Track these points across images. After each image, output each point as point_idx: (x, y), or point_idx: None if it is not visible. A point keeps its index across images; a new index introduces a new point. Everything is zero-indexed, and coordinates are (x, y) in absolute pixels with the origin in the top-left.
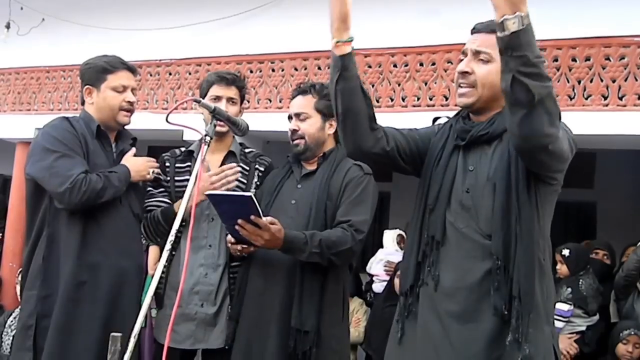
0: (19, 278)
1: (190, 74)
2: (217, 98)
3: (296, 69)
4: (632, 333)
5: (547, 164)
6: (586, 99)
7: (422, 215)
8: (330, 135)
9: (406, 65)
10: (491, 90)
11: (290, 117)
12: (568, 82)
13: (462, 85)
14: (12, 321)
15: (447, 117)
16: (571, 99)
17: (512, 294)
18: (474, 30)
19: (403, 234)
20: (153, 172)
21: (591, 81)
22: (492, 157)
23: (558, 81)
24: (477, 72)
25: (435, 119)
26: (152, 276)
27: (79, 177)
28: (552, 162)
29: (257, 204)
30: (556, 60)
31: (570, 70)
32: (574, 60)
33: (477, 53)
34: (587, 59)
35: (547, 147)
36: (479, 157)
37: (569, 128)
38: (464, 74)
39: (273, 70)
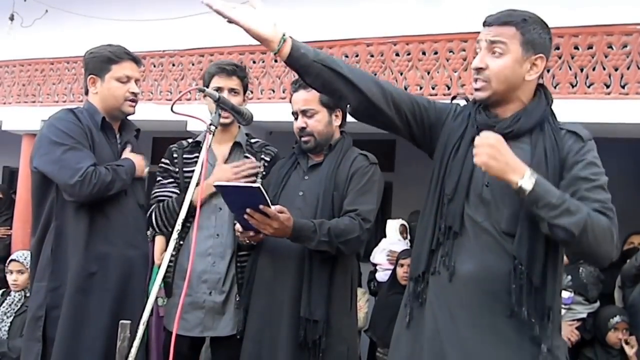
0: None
1: (193, 64)
2: (219, 89)
3: None
4: (620, 320)
5: None
6: (588, 87)
7: (438, 204)
8: (336, 126)
9: (408, 54)
10: (505, 84)
11: (295, 114)
12: (570, 70)
13: (477, 80)
14: (6, 308)
15: (466, 99)
16: (573, 87)
17: (543, 305)
18: (486, 24)
19: (406, 223)
20: (147, 171)
21: (593, 69)
22: (518, 155)
23: (560, 69)
24: (491, 67)
25: (453, 98)
26: (159, 266)
27: (89, 170)
28: None
29: (265, 194)
30: (558, 48)
31: (572, 58)
32: (576, 48)
33: (492, 43)
34: (590, 47)
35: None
36: None
37: None
38: (479, 69)
39: (276, 61)
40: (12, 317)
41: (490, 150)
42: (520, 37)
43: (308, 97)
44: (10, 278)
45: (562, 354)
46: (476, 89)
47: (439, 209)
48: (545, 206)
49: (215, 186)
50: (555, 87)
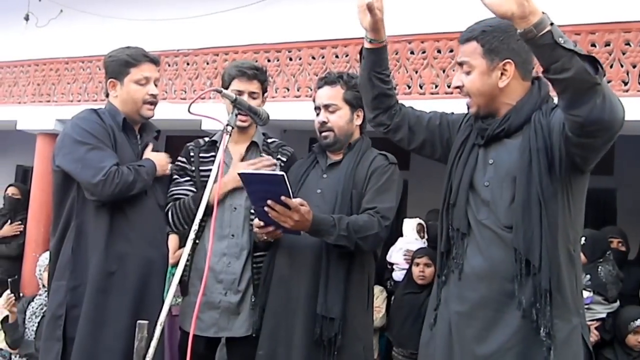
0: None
1: (208, 63)
2: (239, 93)
3: (313, 58)
4: None
5: (609, 145)
6: None
7: (447, 208)
8: (357, 125)
9: (423, 52)
10: (482, 96)
11: (317, 109)
12: None
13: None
14: (35, 308)
15: None
16: None
17: (539, 288)
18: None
19: (423, 222)
20: (170, 167)
21: (611, 66)
22: (512, 151)
23: None
24: (465, 84)
25: None
26: (172, 265)
27: (112, 170)
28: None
29: (288, 184)
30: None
31: None
32: (593, 45)
33: (460, 64)
34: (607, 44)
35: (621, 124)
36: (499, 150)
37: None
38: (458, 87)
39: (290, 59)
40: (39, 318)
41: None
42: (481, 49)
43: (332, 93)
44: (46, 274)
45: (573, 339)
46: (467, 106)
47: (447, 213)
48: (568, 41)
49: (239, 174)
50: None
